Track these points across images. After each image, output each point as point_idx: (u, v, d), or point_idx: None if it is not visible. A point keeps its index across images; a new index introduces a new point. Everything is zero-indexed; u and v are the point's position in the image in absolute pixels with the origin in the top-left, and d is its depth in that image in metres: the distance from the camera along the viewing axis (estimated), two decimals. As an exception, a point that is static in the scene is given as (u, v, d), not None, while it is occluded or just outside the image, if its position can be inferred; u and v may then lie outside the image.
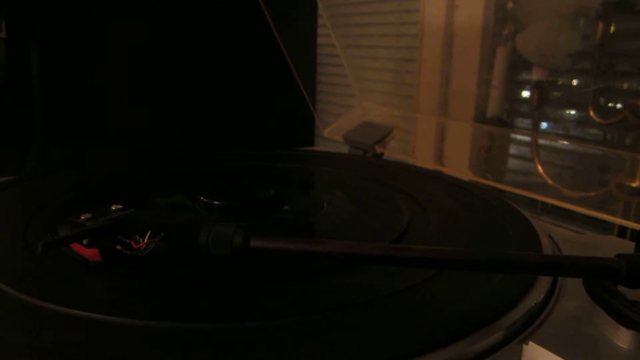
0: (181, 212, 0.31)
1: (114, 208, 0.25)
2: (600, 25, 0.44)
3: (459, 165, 0.58)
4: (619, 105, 0.46)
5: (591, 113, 0.47)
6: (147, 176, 0.45)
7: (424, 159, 0.61)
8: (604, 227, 0.47)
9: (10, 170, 0.60)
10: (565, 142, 0.50)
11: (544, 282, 0.24)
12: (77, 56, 0.64)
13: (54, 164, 0.63)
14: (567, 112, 0.50)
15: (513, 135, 0.55)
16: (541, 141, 0.50)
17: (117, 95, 0.68)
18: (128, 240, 0.23)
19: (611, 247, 0.31)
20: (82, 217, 0.23)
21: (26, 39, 0.61)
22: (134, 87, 0.69)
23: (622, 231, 0.44)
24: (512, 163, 0.55)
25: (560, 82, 0.50)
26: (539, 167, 0.48)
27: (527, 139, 0.52)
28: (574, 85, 0.49)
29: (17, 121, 0.63)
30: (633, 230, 0.40)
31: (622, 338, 0.20)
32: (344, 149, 0.61)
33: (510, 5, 0.53)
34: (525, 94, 0.53)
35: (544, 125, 0.51)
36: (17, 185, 0.40)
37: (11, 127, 0.62)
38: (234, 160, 0.51)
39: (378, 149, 0.57)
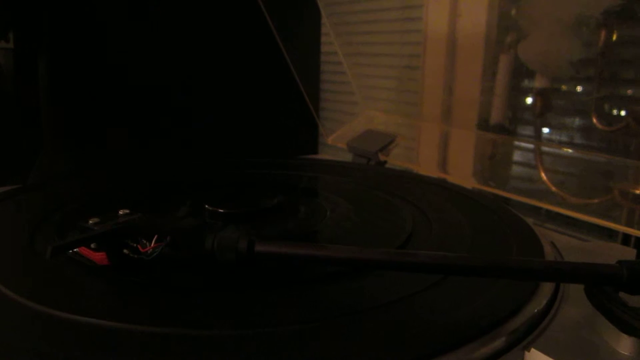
0: (187, 217, 0.32)
1: (121, 213, 0.25)
2: (603, 33, 0.44)
3: (462, 172, 0.58)
4: (622, 113, 0.46)
5: (594, 120, 0.47)
6: (153, 183, 0.46)
7: (427, 167, 0.61)
8: (610, 234, 0.47)
9: (16, 179, 0.60)
10: (568, 150, 0.50)
11: (546, 289, 0.24)
12: (84, 66, 0.65)
13: (60, 172, 0.63)
14: (570, 119, 0.50)
15: (516, 143, 0.55)
16: (544, 148, 0.50)
17: (124, 103, 0.69)
18: (135, 245, 0.24)
19: (614, 254, 0.31)
20: (90, 222, 0.24)
21: (33, 49, 0.62)
22: (141, 96, 0.69)
23: (627, 239, 0.44)
24: (516, 170, 0.55)
25: (563, 90, 0.50)
26: (543, 175, 0.48)
27: (530, 146, 0.52)
28: (577, 93, 0.49)
29: (24, 130, 0.63)
30: (636, 238, 0.40)
31: (624, 345, 0.20)
32: (348, 157, 0.62)
33: (513, 13, 0.53)
34: (528, 101, 0.53)
35: (547, 132, 0.51)
36: (24, 193, 0.40)
37: (18, 136, 0.62)
38: (238, 168, 0.52)
39: (381, 157, 0.57)
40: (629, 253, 0.33)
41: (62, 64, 0.64)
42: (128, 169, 0.51)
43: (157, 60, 0.70)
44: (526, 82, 0.53)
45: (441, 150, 0.61)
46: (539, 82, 0.49)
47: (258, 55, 0.76)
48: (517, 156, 0.55)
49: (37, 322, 0.20)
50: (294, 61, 0.67)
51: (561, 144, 0.50)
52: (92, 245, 0.24)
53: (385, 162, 0.58)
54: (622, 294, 0.21)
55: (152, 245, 0.23)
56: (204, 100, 0.74)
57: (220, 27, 0.74)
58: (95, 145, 0.67)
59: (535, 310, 0.22)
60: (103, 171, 0.49)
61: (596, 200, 0.44)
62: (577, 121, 0.50)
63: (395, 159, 0.59)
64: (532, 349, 0.20)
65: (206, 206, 0.33)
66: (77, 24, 0.64)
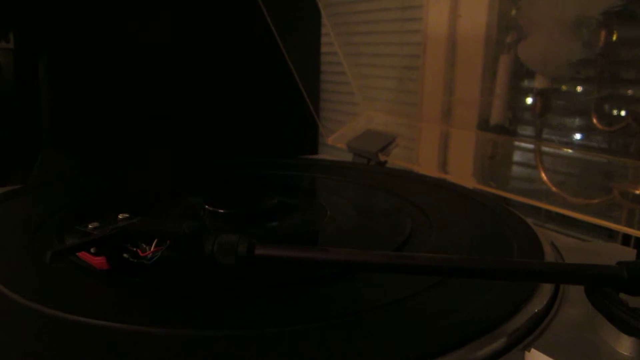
0: (187, 221, 0.32)
1: (120, 217, 0.25)
2: (603, 33, 0.44)
3: (462, 173, 0.58)
4: (622, 113, 0.46)
5: (594, 120, 0.47)
6: (153, 185, 0.46)
7: (427, 167, 0.61)
8: (610, 234, 0.47)
9: (17, 179, 0.61)
10: (568, 150, 0.50)
11: (546, 290, 0.24)
12: (84, 66, 0.65)
13: (60, 173, 0.63)
14: (571, 119, 0.50)
15: (516, 143, 0.55)
16: (544, 149, 0.50)
17: (124, 104, 0.69)
18: (135, 249, 0.24)
19: (614, 254, 0.31)
20: (90, 226, 0.24)
21: (34, 49, 0.62)
22: (141, 97, 0.69)
23: (627, 239, 0.44)
24: (516, 171, 0.55)
25: (563, 90, 0.50)
26: (543, 175, 0.48)
27: (530, 146, 0.52)
28: (577, 93, 0.49)
29: (25, 130, 0.63)
30: (636, 238, 0.40)
31: (624, 345, 0.20)
32: (348, 157, 0.62)
33: (513, 13, 0.53)
34: (529, 101, 0.53)
35: (547, 132, 0.51)
36: (25, 194, 0.40)
37: (18, 136, 0.63)
38: (238, 169, 0.52)
39: (381, 157, 0.57)
40: (629, 253, 0.33)
41: (62, 64, 0.64)
42: (128, 170, 0.51)
43: (158, 60, 0.70)
44: (526, 83, 0.53)
45: (441, 151, 0.61)
46: (539, 83, 0.49)
47: (258, 55, 0.76)
48: (517, 156, 0.55)
49: (37, 323, 0.21)
50: (294, 61, 0.67)
51: (561, 144, 0.50)
52: (92, 250, 0.24)
53: (385, 162, 0.58)
54: (622, 295, 0.21)
55: (152, 249, 0.23)
56: (205, 100, 0.74)
57: (221, 28, 0.74)
58: (95, 146, 0.67)
59: (536, 311, 0.22)
60: (103, 172, 0.49)
61: (596, 201, 0.44)
62: (577, 121, 0.50)
63: (395, 159, 0.59)
64: (533, 349, 0.20)
65: (206, 207, 0.33)
66: (77, 24, 0.64)
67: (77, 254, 0.24)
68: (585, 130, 0.49)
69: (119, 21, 0.66)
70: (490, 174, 0.56)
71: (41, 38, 0.62)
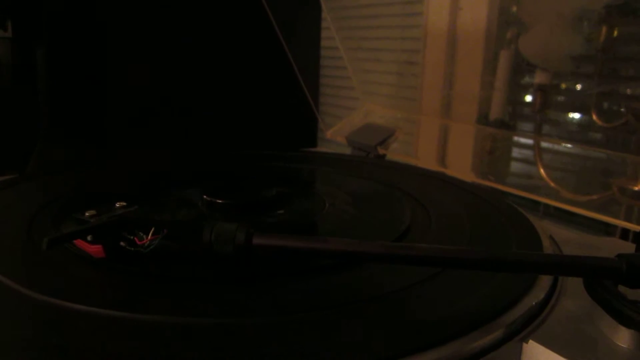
0: (184, 210, 0.32)
1: (118, 205, 0.25)
2: (604, 28, 0.44)
3: (461, 167, 0.58)
4: (621, 109, 0.46)
5: (594, 116, 0.47)
6: (150, 175, 0.46)
7: (426, 161, 0.61)
8: (607, 230, 0.47)
9: (14, 170, 0.60)
10: (567, 145, 0.50)
11: (544, 281, 0.24)
12: (83, 57, 0.65)
13: (57, 163, 0.63)
14: (570, 115, 0.50)
15: (516, 138, 0.55)
16: (544, 144, 0.50)
17: (122, 95, 0.68)
18: (132, 237, 0.24)
19: (613, 248, 0.31)
20: (87, 214, 0.24)
21: (32, 38, 0.61)
22: (138, 88, 0.69)
23: (625, 234, 0.44)
24: (515, 166, 0.55)
25: (563, 86, 0.50)
26: (542, 170, 0.48)
27: (529, 141, 0.52)
28: (577, 89, 0.49)
29: (21, 121, 0.63)
30: (635, 233, 0.40)
31: (622, 337, 0.20)
32: (347, 150, 0.61)
33: (513, 8, 0.53)
34: (528, 97, 0.53)
35: (546, 128, 0.51)
36: (21, 184, 0.40)
37: (15, 126, 0.62)
38: (237, 160, 0.52)
39: (380, 151, 0.57)
40: (628, 247, 0.33)
41: (60, 53, 0.63)
42: (126, 160, 0.51)
43: (157, 51, 0.70)
44: (526, 78, 0.52)
45: (440, 145, 0.60)
46: (539, 78, 0.49)
47: (258, 48, 0.76)
48: (516, 151, 0.55)
49: (32, 311, 0.20)
50: (295, 55, 0.67)
51: (561, 139, 0.50)
52: (89, 238, 0.23)
53: (384, 155, 0.57)
54: (621, 287, 0.21)
55: (149, 237, 0.23)
56: (204, 93, 0.74)
57: (221, 22, 0.73)
58: (93, 137, 0.67)
59: (534, 303, 0.22)
60: (101, 162, 0.48)
61: (595, 196, 0.44)
62: (577, 117, 0.50)
63: (394, 153, 0.59)
64: (530, 341, 0.20)
65: (204, 197, 0.33)
66: (76, 13, 0.63)
67: (73, 241, 0.24)
68: (585, 126, 0.49)
69: (119, 11, 0.66)
70: (489, 169, 0.56)
71: (40, 27, 0.62)
